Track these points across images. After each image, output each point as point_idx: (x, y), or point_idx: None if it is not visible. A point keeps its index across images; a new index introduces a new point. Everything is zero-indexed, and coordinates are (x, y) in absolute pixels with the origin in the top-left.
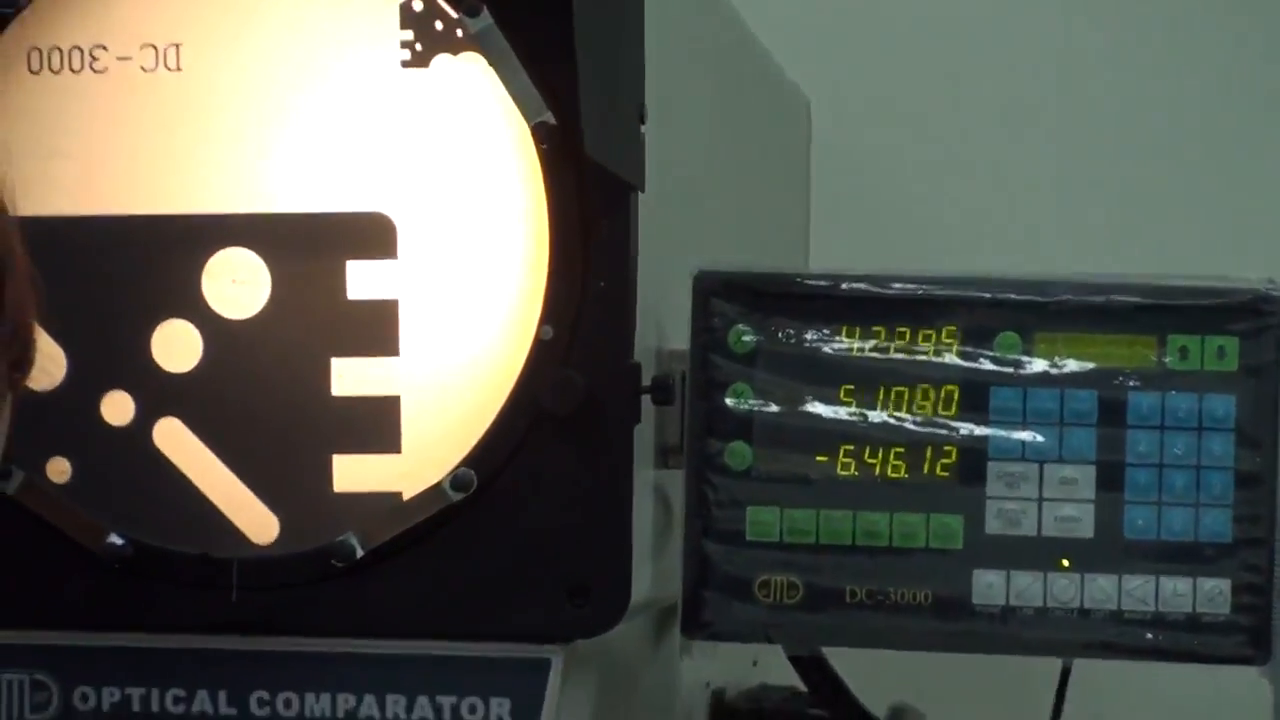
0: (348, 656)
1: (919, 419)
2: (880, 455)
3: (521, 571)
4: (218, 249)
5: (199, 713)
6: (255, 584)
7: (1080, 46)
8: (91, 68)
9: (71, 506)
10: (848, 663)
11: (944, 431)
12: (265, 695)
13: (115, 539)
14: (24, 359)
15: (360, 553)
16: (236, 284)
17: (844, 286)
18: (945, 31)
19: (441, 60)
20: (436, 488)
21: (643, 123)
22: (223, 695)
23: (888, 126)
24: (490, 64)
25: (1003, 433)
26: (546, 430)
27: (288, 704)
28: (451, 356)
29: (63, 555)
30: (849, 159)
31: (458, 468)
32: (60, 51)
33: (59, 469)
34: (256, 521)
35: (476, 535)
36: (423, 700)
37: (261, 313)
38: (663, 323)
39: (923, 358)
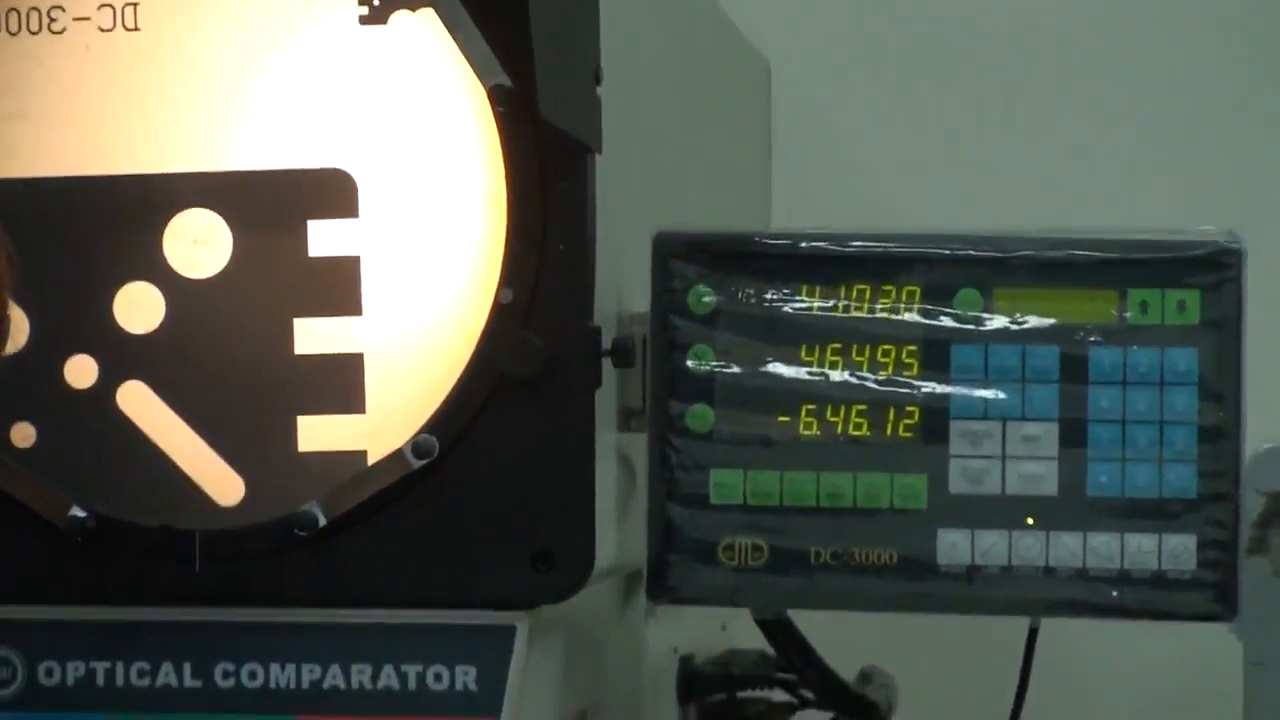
0: (312, 626)
1: (881, 378)
2: (842, 415)
3: (484, 538)
4: (178, 209)
5: (164, 686)
6: (218, 554)
7: (1045, 8)
8: (49, 29)
9: (34, 479)
10: (819, 624)
11: (906, 390)
12: (230, 667)
13: (78, 512)
14: (0, 330)
15: (323, 521)
16: (197, 244)
17: (803, 245)
18: None
19: (400, 18)
20: (398, 454)
21: (599, 84)
22: (187, 667)
23: (848, 88)
24: (445, 26)
25: (965, 390)
26: (507, 394)
27: (253, 675)
28: (414, 317)
29: (25, 529)
30: (809, 120)
31: (420, 432)
32: (18, 13)
33: (23, 434)
34: (221, 484)
35: (439, 502)
36: (388, 669)
37: (223, 272)
38: (623, 285)
39: (883, 316)
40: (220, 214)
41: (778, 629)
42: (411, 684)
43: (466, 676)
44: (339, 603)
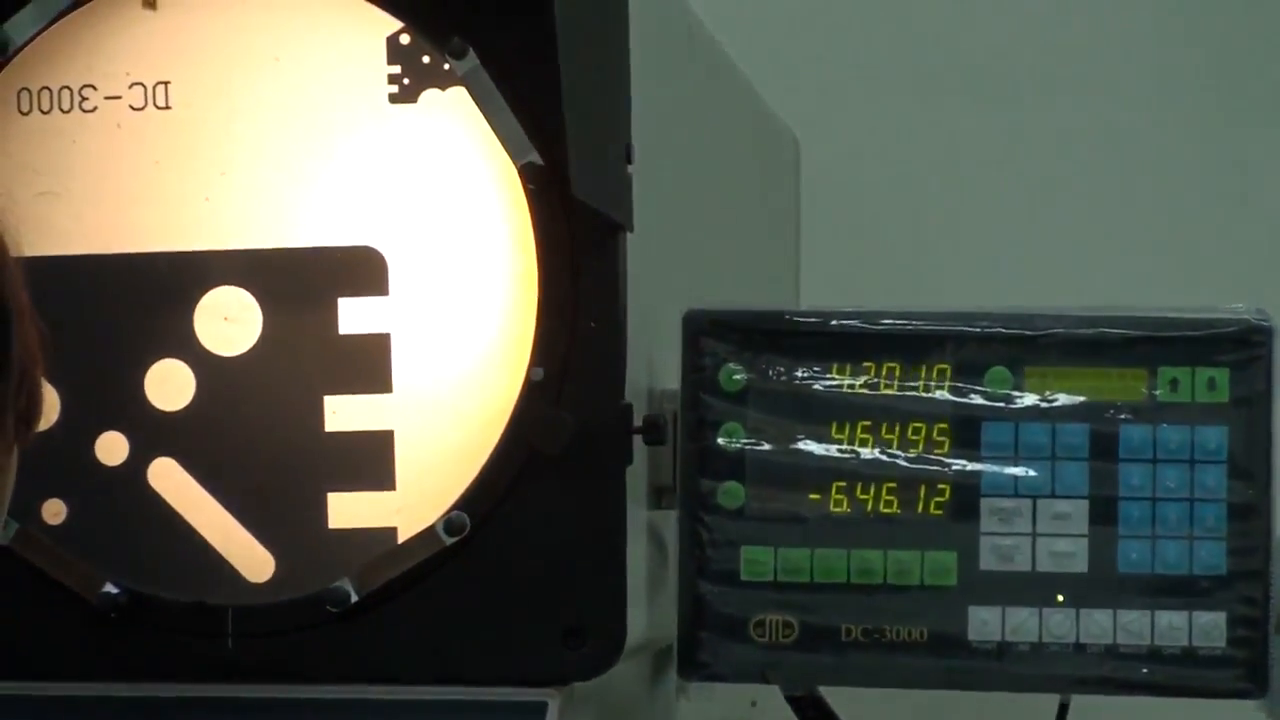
0: (345, 703)
1: (911, 455)
2: (873, 492)
3: (516, 614)
4: (209, 287)
5: None
6: (251, 631)
7: (1070, 85)
8: (81, 107)
9: (67, 555)
10: (849, 701)
11: (936, 468)
12: None
13: (111, 588)
14: (31, 412)
15: (355, 598)
16: (228, 321)
17: (834, 324)
18: (934, 70)
19: (430, 96)
20: (430, 531)
21: (630, 163)
22: None
23: (878, 165)
24: (477, 105)
25: (995, 468)
26: (539, 472)
27: None
28: (444, 394)
29: (59, 605)
30: (839, 197)
31: (451, 509)
32: (50, 92)
33: (54, 510)
34: (252, 560)
35: (471, 578)
36: None
37: (253, 350)
38: (654, 362)
39: (914, 394)
40: (251, 291)
41: (809, 705)
42: None
43: None
44: (371, 679)
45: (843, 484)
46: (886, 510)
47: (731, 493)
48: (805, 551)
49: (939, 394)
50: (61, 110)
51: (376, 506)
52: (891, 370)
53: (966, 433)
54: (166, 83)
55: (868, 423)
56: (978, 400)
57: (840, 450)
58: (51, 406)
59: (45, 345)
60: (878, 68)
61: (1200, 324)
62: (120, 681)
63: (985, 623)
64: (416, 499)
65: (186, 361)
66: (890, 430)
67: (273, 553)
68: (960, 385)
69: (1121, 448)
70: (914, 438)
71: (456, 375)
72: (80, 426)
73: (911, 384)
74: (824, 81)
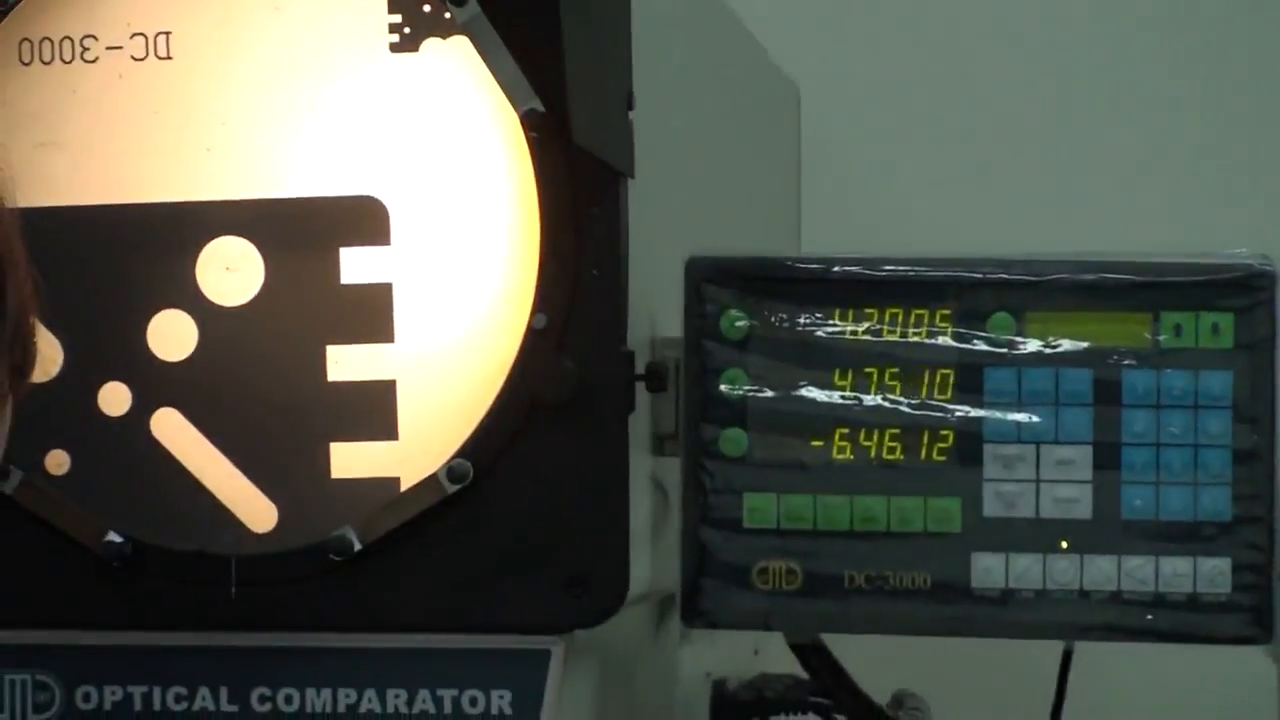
0: (348, 651)
1: (914, 402)
2: (876, 439)
3: (519, 562)
4: (211, 237)
5: (200, 710)
6: (254, 580)
7: (1068, 32)
8: (82, 58)
9: (70, 505)
10: (853, 648)
11: (939, 414)
12: (266, 691)
13: (114, 536)
14: (25, 362)
15: (358, 546)
16: (230, 271)
17: (836, 270)
18: (934, 18)
19: (431, 44)
20: (432, 479)
21: (631, 110)
22: (224, 692)
23: (878, 113)
24: (478, 52)
25: (998, 414)
26: (541, 419)
27: (289, 700)
28: (446, 343)
29: (62, 554)
30: (839, 145)
31: (454, 457)
32: (51, 42)
33: (57, 461)
34: (255, 510)
35: (473, 527)
36: (424, 694)
37: (255, 300)
38: (656, 310)
39: (916, 340)
40: (252, 241)
41: (811, 653)
42: (447, 708)
43: (502, 700)
44: (374, 627)
45: (846, 430)
46: (890, 457)
47: (734, 439)
48: (808, 498)
49: (942, 340)
50: (63, 60)
51: (379, 456)
52: (894, 316)
53: (970, 379)
54: (168, 33)
55: (871, 369)
56: (981, 346)
57: (843, 397)
58: (53, 358)
59: (40, 292)
60: (878, 15)
61: (1203, 269)
62: (123, 630)
63: (989, 570)
64: (419, 449)
65: (188, 312)
66: (893, 376)
67: (275, 502)
68: (963, 331)
69: (1125, 393)
70: (917, 384)
71: (458, 324)
72: (83, 377)
73: (914, 330)
74: (825, 30)
